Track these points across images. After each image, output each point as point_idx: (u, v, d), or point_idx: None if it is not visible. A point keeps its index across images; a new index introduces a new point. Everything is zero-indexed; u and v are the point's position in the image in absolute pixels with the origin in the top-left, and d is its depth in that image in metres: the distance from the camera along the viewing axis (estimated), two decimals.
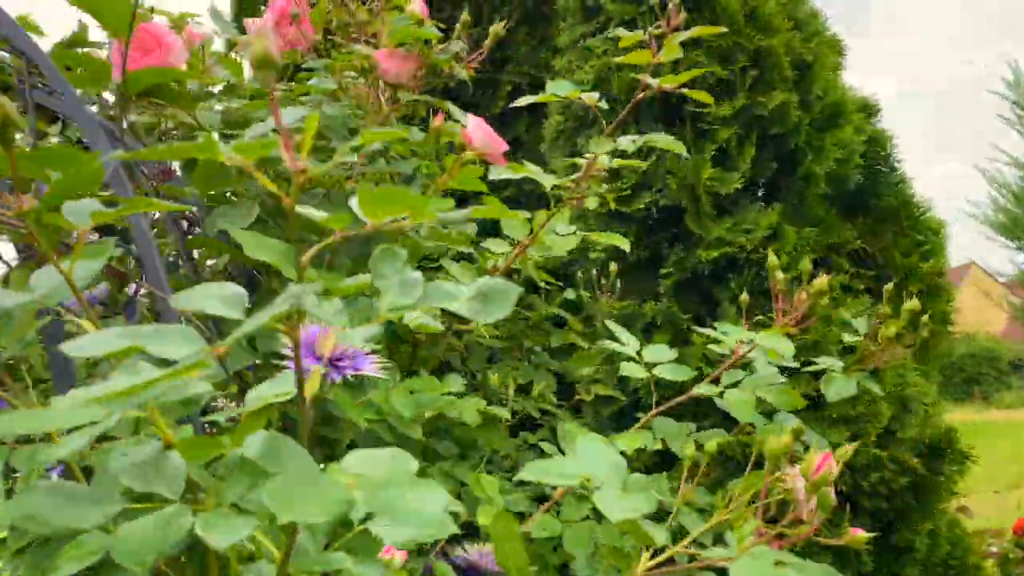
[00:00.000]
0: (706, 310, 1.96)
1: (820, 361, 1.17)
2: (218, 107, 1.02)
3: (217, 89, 1.10)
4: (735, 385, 1.01)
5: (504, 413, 0.99)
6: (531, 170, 1.08)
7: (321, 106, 1.03)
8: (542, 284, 1.42)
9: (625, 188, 2.00)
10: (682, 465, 0.75)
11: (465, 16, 1.20)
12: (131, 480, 0.54)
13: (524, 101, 1.12)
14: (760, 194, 1.96)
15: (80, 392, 0.43)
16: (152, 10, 0.99)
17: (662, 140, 1.09)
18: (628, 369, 1.01)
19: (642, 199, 1.97)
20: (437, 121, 0.99)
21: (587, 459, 0.64)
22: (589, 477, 0.60)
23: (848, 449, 0.83)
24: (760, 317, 1.86)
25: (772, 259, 1.02)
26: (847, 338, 1.20)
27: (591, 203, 2.11)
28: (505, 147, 1.05)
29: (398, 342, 1.19)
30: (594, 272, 1.58)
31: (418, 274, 0.59)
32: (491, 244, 1.16)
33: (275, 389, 0.58)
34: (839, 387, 1.14)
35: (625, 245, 1.13)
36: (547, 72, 2.50)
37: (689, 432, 1.01)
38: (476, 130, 1.01)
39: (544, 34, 2.67)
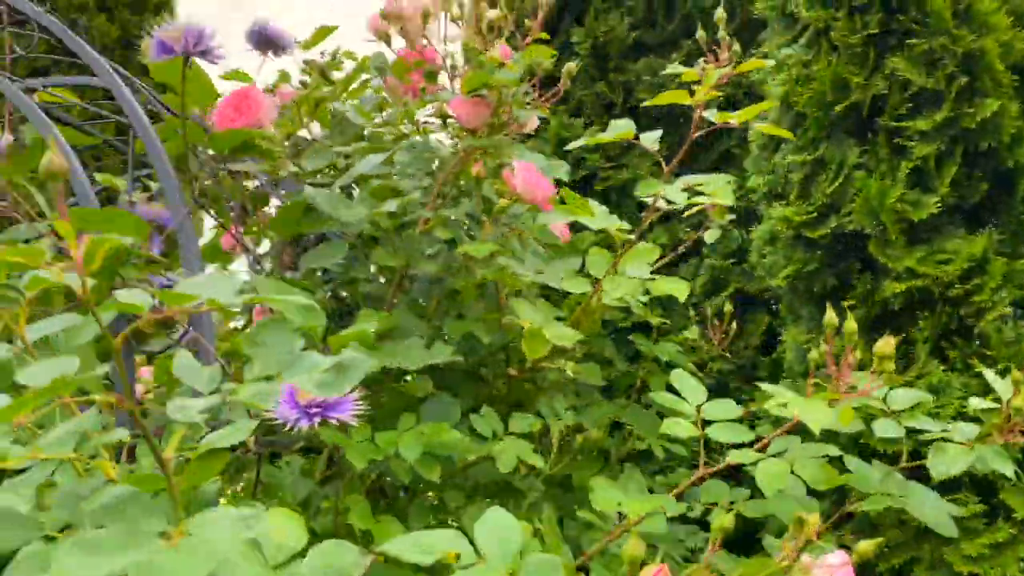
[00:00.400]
0: (901, 350, 1.75)
1: (930, 429, 1.01)
2: (308, 164, 1.12)
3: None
4: (780, 454, 0.91)
5: (538, 461, 0.99)
6: (589, 211, 1.05)
7: (394, 156, 1.10)
8: (655, 322, 1.37)
9: (811, 211, 1.84)
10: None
11: (570, 66, 1.19)
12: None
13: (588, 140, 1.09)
14: (965, 219, 1.69)
15: None
16: (237, 72, 1.12)
17: (712, 185, 1.01)
18: (671, 427, 0.96)
19: (828, 224, 1.81)
20: (476, 168, 1.01)
21: (482, 534, 0.63)
22: (457, 554, 0.60)
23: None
24: (955, 356, 1.62)
25: (830, 315, 0.91)
26: (974, 404, 1.02)
27: (779, 226, 1.98)
28: (550, 191, 1.04)
29: (475, 380, 1.22)
30: (709, 310, 1.49)
31: (298, 341, 0.63)
32: (568, 285, 1.14)
33: (226, 438, 0.65)
34: (950, 461, 0.98)
35: (682, 294, 1.06)
36: (739, 88, 2.38)
37: (734, 500, 0.93)
38: (519, 174, 1.01)
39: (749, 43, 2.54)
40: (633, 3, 2.73)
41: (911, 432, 1.04)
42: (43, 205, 0.99)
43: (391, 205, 0.97)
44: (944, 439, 1.01)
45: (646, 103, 1.06)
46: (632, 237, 1.08)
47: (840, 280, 1.82)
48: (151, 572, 0.48)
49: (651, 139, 1.07)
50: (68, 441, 0.60)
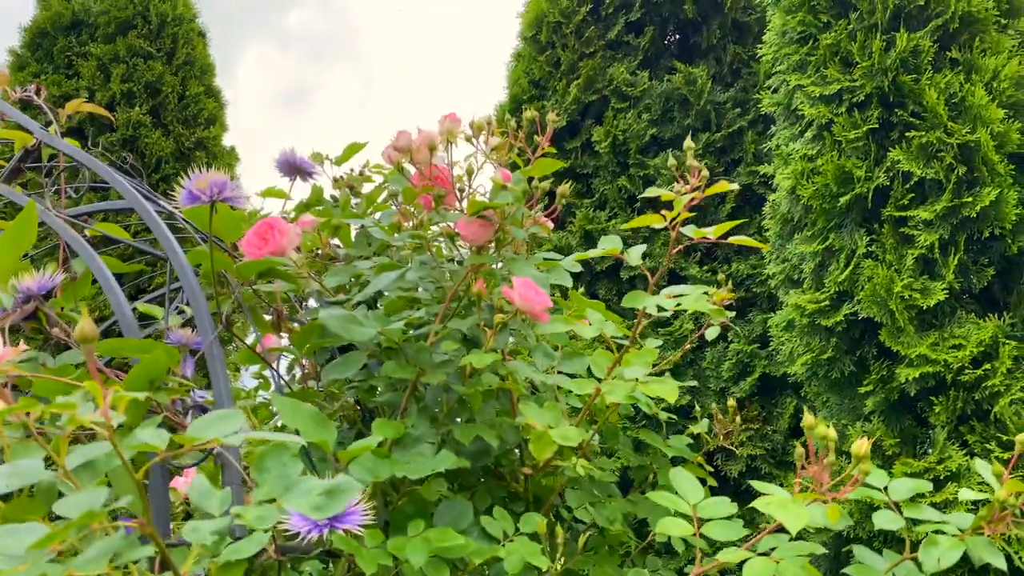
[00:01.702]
0: (920, 433, 1.76)
1: (930, 519, 1.03)
2: (330, 282, 1.22)
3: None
4: (770, 551, 0.95)
5: (544, 563, 1.04)
6: (585, 320, 1.13)
7: (406, 274, 1.19)
8: (663, 418, 1.42)
9: (823, 300, 1.89)
10: None
11: (563, 187, 1.29)
12: None
13: (590, 254, 1.17)
14: (978, 303, 1.72)
15: None
16: (272, 190, 1.24)
17: (691, 299, 1.07)
18: (666, 526, 1.00)
19: (841, 311, 1.85)
20: (478, 286, 1.09)
21: None
22: None
23: None
24: (973, 440, 1.63)
25: (808, 419, 0.95)
26: (966, 494, 1.04)
27: (793, 314, 2.02)
28: (547, 303, 1.12)
29: (494, 478, 1.28)
30: (714, 405, 1.53)
31: (297, 467, 0.70)
32: (574, 386, 1.20)
33: (240, 551, 0.72)
34: (942, 553, 1.00)
35: (671, 396, 1.11)
36: (757, 177, 2.46)
37: None
38: (518, 289, 1.10)
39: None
40: (650, 101, 2.86)
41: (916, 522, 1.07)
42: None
43: (399, 324, 1.05)
44: (939, 531, 1.03)
45: (624, 226, 1.14)
46: (626, 342, 1.15)
47: (858, 366, 1.85)
48: None
49: (635, 255, 1.15)
50: (101, 560, 0.68)
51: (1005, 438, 1.57)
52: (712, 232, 1.08)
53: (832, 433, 0.91)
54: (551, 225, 1.37)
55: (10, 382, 0.92)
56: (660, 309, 1.15)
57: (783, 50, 2.09)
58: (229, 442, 0.59)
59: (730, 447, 1.43)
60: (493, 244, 1.23)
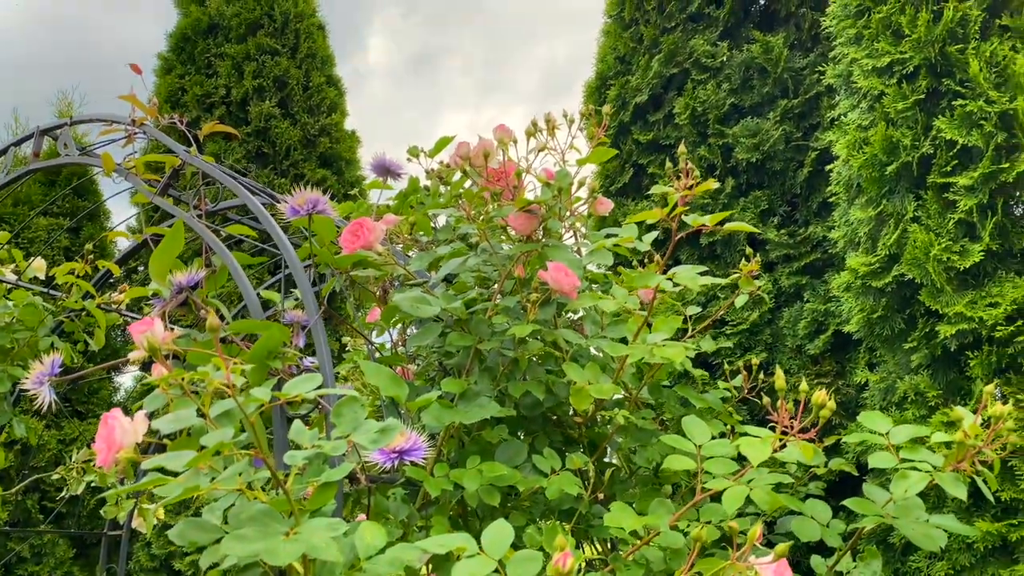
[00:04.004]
0: (965, 384, 1.88)
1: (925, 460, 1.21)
2: (412, 266, 1.50)
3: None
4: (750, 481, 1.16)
5: (576, 490, 1.29)
6: (599, 296, 1.36)
7: (467, 260, 1.46)
8: (697, 374, 1.64)
9: (874, 262, 2.03)
10: None
11: (593, 182, 1.52)
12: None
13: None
14: (1020, 264, 1.81)
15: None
16: (376, 183, 1.53)
17: (685, 277, 1.28)
18: (672, 462, 1.23)
19: (891, 273, 1.98)
20: (518, 271, 1.35)
21: (486, 537, 0.96)
22: (464, 548, 0.93)
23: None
24: (1008, 392, 1.74)
25: (778, 380, 1.15)
26: (938, 437, 1.21)
27: (849, 276, 2.17)
28: (576, 283, 1.36)
29: (555, 424, 1.54)
30: (741, 365, 1.72)
31: (364, 413, 0.99)
32: (610, 349, 1.44)
33: (331, 475, 1.02)
34: (910, 485, 1.19)
35: (678, 359, 1.33)
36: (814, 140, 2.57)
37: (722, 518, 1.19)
38: (552, 272, 1.34)
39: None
40: (730, 71, 2.99)
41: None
42: (226, 314, 1.43)
43: (458, 303, 1.32)
44: (914, 468, 1.22)
45: (628, 219, 1.35)
46: (645, 312, 1.37)
47: (907, 324, 1.99)
48: (270, 553, 0.85)
49: (646, 242, 1.36)
50: (233, 478, 0.99)
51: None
52: (709, 220, 1.28)
53: (781, 383, 1.11)
54: (610, 207, 1.59)
55: (171, 353, 1.26)
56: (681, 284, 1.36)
57: (842, 23, 2.20)
58: (309, 396, 0.88)
59: (752, 398, 1.63)
60: (541, 231, 1.48)
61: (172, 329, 1.21)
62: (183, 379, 0.95)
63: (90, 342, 2.18)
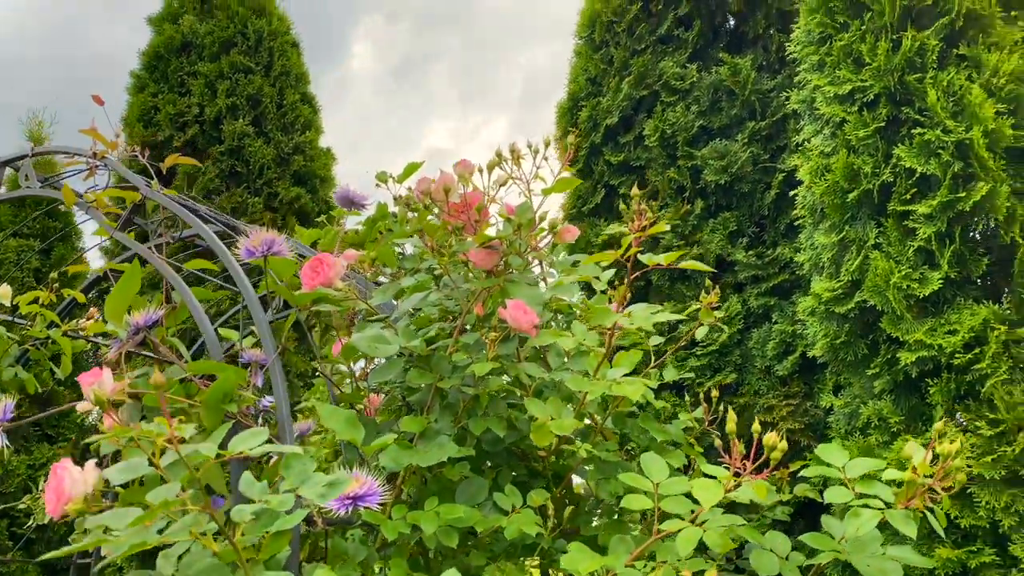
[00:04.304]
0: (926, 410, 1.90)
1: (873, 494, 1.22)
2: (374, 301, 1.50)
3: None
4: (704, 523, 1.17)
5: (534, 530, 1.29)
6: (559, 333, 1.36)
7: (428, 295, 1.46)
8: (658, 405, 1.64)
9: (838, 288, 2.05)
10: None
11: (554, 219, 1.52)
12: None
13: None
14: (979, 291, 1.83)
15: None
16: (341, 211, 1.52)
17: (640, 317, 1.29)
18: (630, 501, 1.24)
19: (853, 299, 2.00)
20: (477, 309, 1.35)
21: None
22: None
23: None
24: (967, 418, 1.76)
25: (730, 423, 1.16)
26: (888, 475, 1.23)
27: (813, 301, 2.17)
28: (535, 320, 1.37)
29: (519, 458, 1.54)
30: (701, 395, 1.73)
31: (312, 465, 0.99)
32: (572, 383, 1.44)
33: (283, 523, 1.02)
34: (862, 523, 1.20)
35: (635, 396, 1.33)
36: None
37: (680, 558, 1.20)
38: (510, 311, 1.35)
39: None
40: (699, 93, 3.01)
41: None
42: (184, 353, 1.43)
43: (416, 342, 1.33)
44: (865, 505, 1.23)
45: (585, 261, 1.36)
46: (603, 350, 1.38)
47: (870, 349, 2.01)
48: None
49: (603, 280, 1.37)
50: (184, 531, 0.98)
51: (991, 416, 1.71)
52: (663, 259, 1.29)
53: (732, 427, 1.12)
54: (576, 234, 1.60)
55: (130, 395, 1.25)
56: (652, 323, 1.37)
57: (805, 49, 2.23)
58: (253, 454, 0.88)
59: (711, 430, 1.64)
60: (501, 268, 1.48)
61: (131, 361, 1.20)
62: (131, 434, 0.94)
63: (56, 371, 2.16)
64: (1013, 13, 1.95)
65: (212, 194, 4.24)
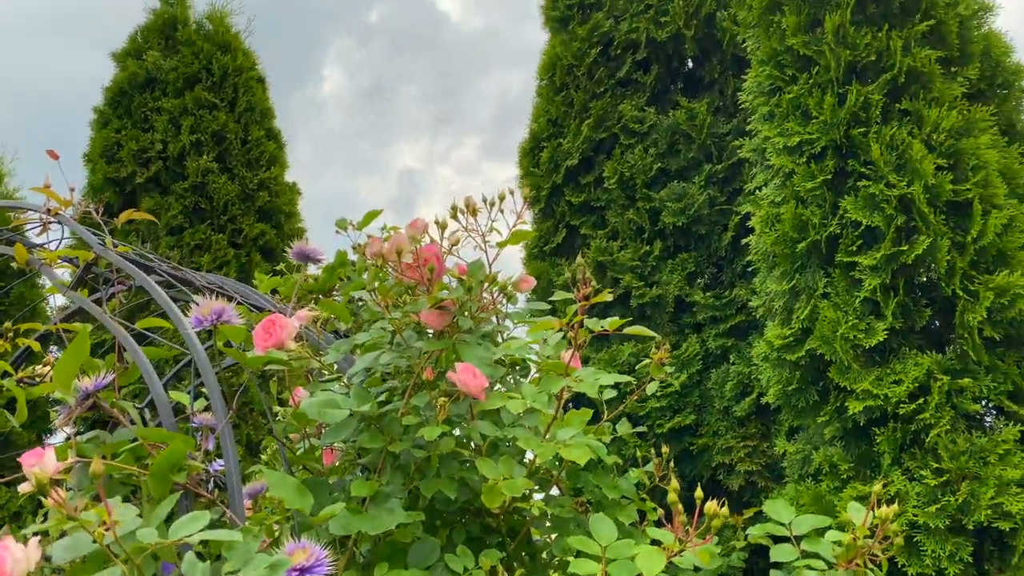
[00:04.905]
0: (875, 457, 1.94)
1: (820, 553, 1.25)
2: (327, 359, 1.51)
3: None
4: None
5: None
6: (508, 396, 1.38)
7: (380, 356, 1.47)
8: (610, 461, 1.66)
9: (789, 336, 2.09)
10: None
11: (523, 279, 1.54)
12: None
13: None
14: (923, 340, 1.88)
15: None
16: (287, 268, 1.53)
17: (587, 384, 1.31)
18: (577, 566, 1.25)
19: (804, 347, 2.04)
20: (427, 374, 1.36)
21: None
22: None
23: None
24: (913, 467, 1.81)
25: (671, 493, 1.18)
26: (829, 536, 1.26)
27: (765, 348, 2.21)
28: (484, 384, 1.38)
29: (472, 515, 1.56)
30: (661, 435, 1.76)
31: (255, 546, 0.99)
32: (523, 443, 1.46)
33: None
34: None
35: (582, 460, 1.35)
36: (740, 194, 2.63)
37: None
38: (460, 374, 1.36)
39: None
40: (657, 136, 3.07)
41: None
42: (135, 416, 1.43)
43: (366, 407, 1.34)
44: (808, 566, 1.26)
45: (529, 332, 1.38)
46: (552, 412, 1.40)
47: (821, 396, 2.05)
48: None
49: (552, 343, 1.39)
50: None
51: (936, 465, 1.75)
52: (608, 324, 1.32)
53: (673, 496, 1.14)
54: (532, 284, 1.62)
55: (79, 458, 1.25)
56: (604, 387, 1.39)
57: (757, 99, 2.28)
58: (193, 540, 0.88)
59: (663, 486, 1.66)
60: (452, 329, 1.50)
61: (80, 431, 1.20)
62: (72, 518, 0.94)
63: (11, 419, 2.14)
64: (953, 69, 2.02)
65: (176, 231, 4.22)
